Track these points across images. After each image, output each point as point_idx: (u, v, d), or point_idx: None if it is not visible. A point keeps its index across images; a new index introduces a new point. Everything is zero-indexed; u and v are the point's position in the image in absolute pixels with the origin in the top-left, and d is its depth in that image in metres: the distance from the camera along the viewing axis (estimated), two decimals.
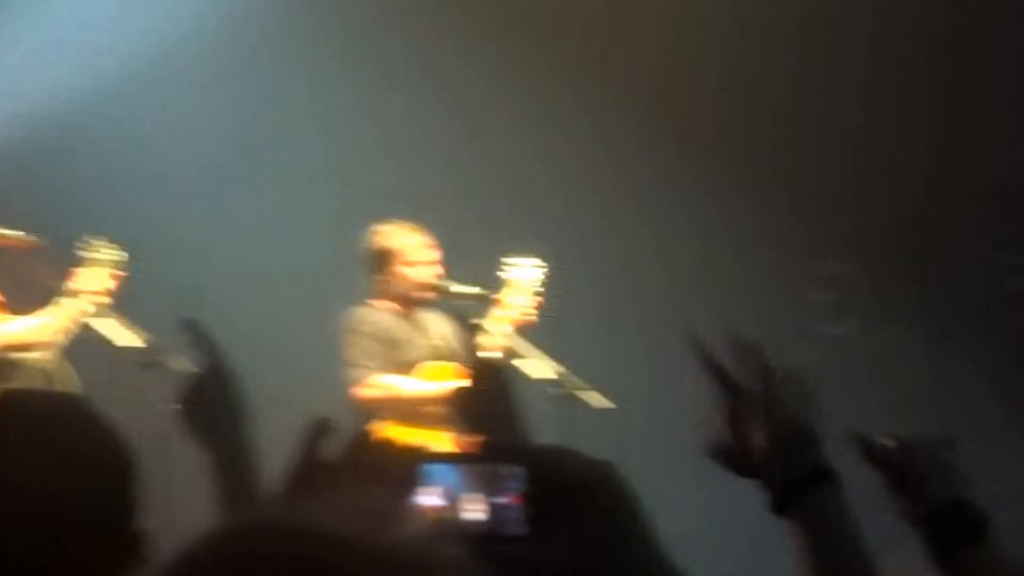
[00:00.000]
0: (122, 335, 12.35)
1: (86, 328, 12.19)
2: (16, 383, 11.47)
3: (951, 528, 4.28)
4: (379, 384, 12.49)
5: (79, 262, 12.10)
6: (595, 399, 13.04)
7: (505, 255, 13.04)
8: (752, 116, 16.64)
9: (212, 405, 4.68)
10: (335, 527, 2.08)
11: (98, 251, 12.17)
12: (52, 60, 16.87)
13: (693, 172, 16.01)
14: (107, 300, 12.21)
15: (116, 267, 12.21)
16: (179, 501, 9.31)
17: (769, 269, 15.97)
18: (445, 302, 13.04)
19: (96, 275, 12.08)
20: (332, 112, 17.04)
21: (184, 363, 11.04)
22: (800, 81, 16.67)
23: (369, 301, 12.84)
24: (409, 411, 12.33)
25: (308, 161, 16.68)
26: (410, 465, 3.20)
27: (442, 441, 11.75)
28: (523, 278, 12.75)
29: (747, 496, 3.94)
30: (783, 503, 3.77)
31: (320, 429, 3.74)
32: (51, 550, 3.69)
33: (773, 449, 3.83)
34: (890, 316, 16.51)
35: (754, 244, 16.14)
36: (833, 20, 16.93)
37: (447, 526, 3.14)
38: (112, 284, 12.15)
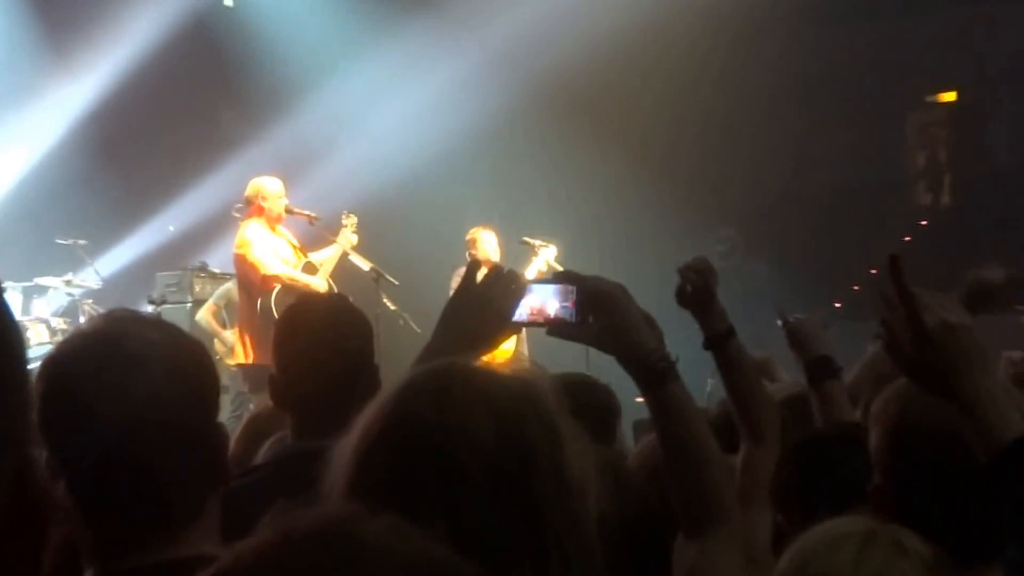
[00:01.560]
0: (362, 263, 12.53)
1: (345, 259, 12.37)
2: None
3: (821, 369, 4.69)
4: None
5: (340, 227, 12.36)
6: None
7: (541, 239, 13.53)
8: (686, 149, 16.95)
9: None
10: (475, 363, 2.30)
11: (350, 221, 12.37)
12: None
13: (650, 189, 16.30)
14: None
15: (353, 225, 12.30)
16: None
17: (690, 230, 16.17)
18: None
19: (347, 236, 12.26)
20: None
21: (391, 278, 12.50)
22: (712, 121, 16.87)
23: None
24: None
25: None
26: (522, 286, 3.14)
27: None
28: (546, 256, 13.33)
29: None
30: (713, 344, 4.09)
31: (475, 267, 3.46)
32: (341, 382, 3.92)
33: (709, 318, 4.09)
34: (755, 257, 17.30)
35: (683, 216, 16.24)
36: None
37: (539, 316, 3.18)
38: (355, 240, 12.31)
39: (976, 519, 2.89)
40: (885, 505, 3.03)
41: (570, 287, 3.17)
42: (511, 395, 2.17)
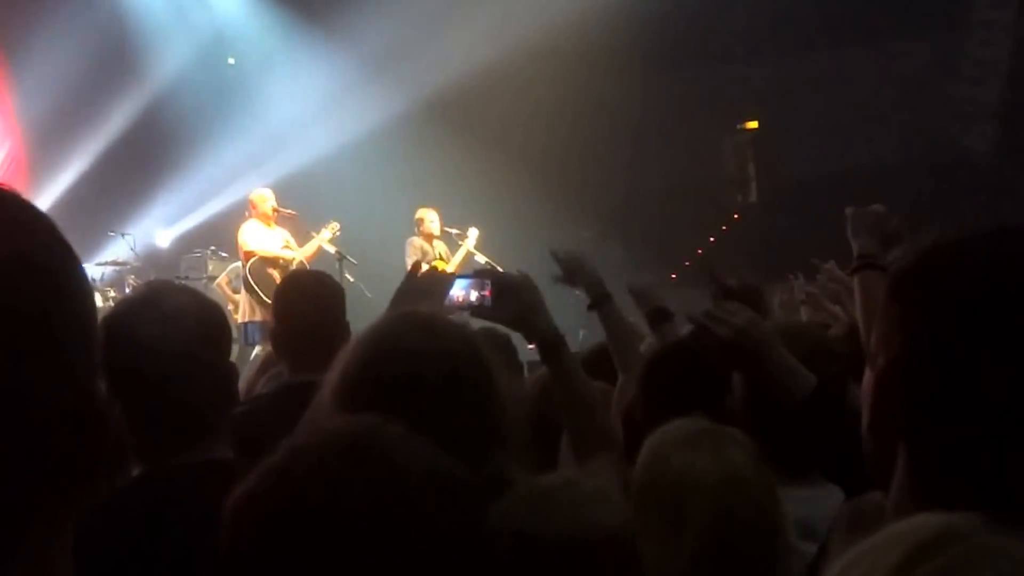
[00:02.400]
0: (330, 248, 12.58)
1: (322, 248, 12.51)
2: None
3: (659, 316, 4.39)
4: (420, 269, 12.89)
5: (321, 228, 12.59)
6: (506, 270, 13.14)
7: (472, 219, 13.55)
8: (556, 159, 16.67)
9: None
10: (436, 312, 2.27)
11: (331, 227, 12.57)
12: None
13: (541, 200, 16.02)
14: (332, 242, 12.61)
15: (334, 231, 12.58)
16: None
17: (560, 229, 15.65)
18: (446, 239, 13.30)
19: (323, 233, 12.50)
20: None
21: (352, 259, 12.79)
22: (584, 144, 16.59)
23: (416, 236, 12.98)
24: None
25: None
26: (449, 280, 3.17)
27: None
28: (471, 236, 13.35)
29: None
30: (594, 306, 4.03)
31: (416, 269, 3.32)
32: (323, 332, 3.87)
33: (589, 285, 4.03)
34: (611, 242, 16.60)
35: (556, 219, 15.66)
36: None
37: (464, 303, 3.15)
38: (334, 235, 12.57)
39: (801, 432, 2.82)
40: (742, 417, 3.02)
41: (486, 280, 3.13)
42: (467, 331, 2.23)
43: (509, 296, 3.05)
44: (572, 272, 4.09)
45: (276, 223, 12.44)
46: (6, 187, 1.07)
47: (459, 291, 3.19)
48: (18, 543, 1.00)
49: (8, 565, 1.00)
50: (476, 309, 3.14)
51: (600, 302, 4.01)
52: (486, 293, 3.11)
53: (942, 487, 1.37)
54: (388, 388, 2.09)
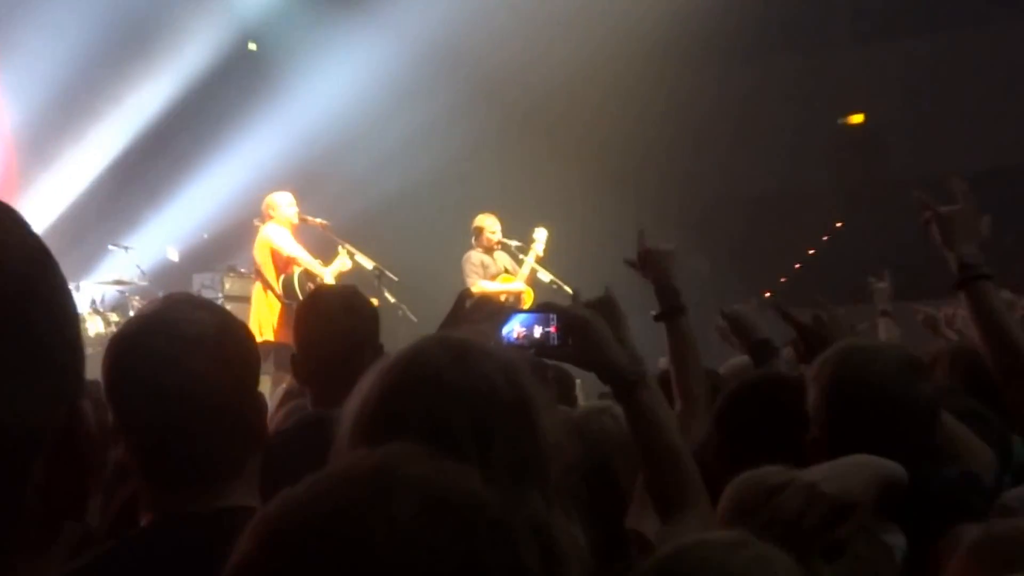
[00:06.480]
0: (367, 262, 12.24)
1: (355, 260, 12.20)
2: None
3: (763, 350, 4.46)
4: (481, 285, 12.37)
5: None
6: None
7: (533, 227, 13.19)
8: (635, 165, 16.98)
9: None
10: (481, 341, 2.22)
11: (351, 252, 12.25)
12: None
13: (615, 206, 15.97)
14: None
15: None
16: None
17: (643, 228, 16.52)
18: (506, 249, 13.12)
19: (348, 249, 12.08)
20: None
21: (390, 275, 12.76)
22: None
23: (475, 249, 13.02)
24: (495, 295, 12.15)
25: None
26: (504, 309, 3.28)
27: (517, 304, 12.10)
28: (539, 238, 13.05)
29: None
30: (663, 317, 4.11)
31: (465, 295, 3.68)
32: (352, 359, 3.75)
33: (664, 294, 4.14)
34: (696, 254, 17.44)
35: (634, 229, 16.56)
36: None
37: (524, 340, 3.14)
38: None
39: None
40: (821, 454, 2.95)
41: (551, 315, 3.13)
42: (507, 360, 2.17)
43: (577, 331, 3.07)
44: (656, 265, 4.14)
45: (297, 233, 12.29)
46: None
47: (521, 327, 3.17)
48: None
49: None
50: (541, 348, 3.14)
51: (672, 313, 4.02)
52: (551, 329, 3.12)
53: None
54: (410, 424, 2.02)
